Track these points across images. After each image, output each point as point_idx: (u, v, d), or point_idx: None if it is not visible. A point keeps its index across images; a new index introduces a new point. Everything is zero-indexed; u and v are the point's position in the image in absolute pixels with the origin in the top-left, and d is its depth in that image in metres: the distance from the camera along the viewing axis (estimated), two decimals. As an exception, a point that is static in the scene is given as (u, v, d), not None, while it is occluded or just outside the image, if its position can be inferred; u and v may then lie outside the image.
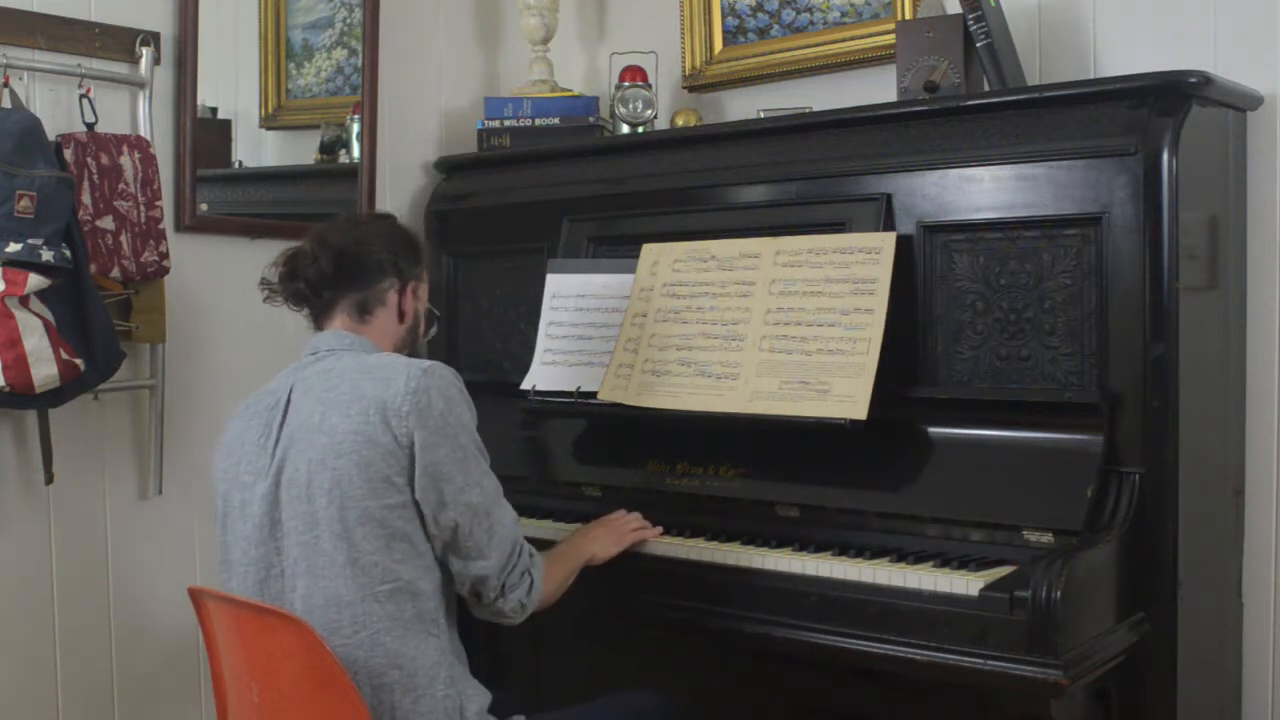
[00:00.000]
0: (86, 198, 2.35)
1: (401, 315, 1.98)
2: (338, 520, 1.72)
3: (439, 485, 1.74)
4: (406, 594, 1.73)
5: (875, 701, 2.15)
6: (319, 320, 1.95)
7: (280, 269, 1.93)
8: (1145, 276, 1.99)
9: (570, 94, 3.09)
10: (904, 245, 2.21)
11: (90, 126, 2.41)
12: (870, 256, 2.21)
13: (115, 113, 2.50)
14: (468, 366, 2.78)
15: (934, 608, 1.87)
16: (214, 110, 2.76)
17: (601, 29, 3.28)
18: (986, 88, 2.35)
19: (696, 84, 3.03)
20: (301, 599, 1.74)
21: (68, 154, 2.33)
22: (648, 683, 2.13)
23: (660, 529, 2.22)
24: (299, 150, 3.03)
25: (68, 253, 2.22)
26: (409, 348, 2.01)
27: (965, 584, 1.86)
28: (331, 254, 1.90)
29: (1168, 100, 2.02)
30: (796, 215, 2.37)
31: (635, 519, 2.22)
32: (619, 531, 2.17)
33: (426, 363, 1.81)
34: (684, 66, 3.04)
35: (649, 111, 2.92)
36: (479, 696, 1.79)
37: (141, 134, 2.50)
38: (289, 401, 1.82)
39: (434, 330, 2.13)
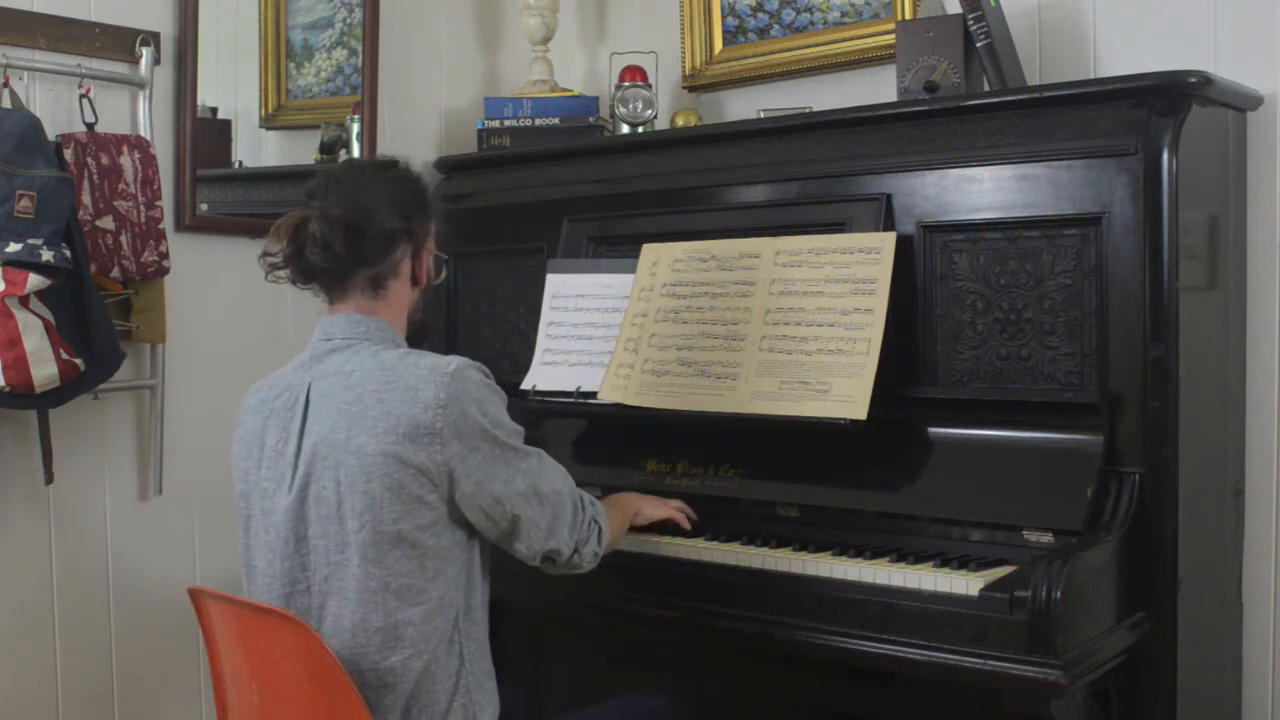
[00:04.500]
0: (86, 198, 2.36)
1: (415, 280, 1.88)
2: (370, 544, 1.67)
3: (487, 487, 1.71)
4: (437, 611, 1.70)
5: (875, 701, 2.15)
6: (331, 295, 1.84)
7: (285, 245, 1.79)
8: (1145, 276, 1.99)
9: (570, 94, 3.09)
10: (904, 245, 2.21)
11: (90, 126, 2.41)
12: (870, 256, 2.21)
13: (115, 113, 2.50)
14: (468, 366, 2.77)
15: (934, 608, 1.87)
16: (214, 110, 2.76)
17: (601, 29, 3.28)
18: (986, 88, 2.35)
19: (696, 84, 3.03)
20: (332, 618, 1.71)
21: (68, 154, 2.34)
22: (647, 683, 2.13)
23: (695, 516, 2.25)
24: (299, 150, 3.03)
25: (68, 253, 2.22)
26: (421, 309, 1.93)
27: (965, 584, 1.86)
28: (340, 232, 1.75)
29: (1168, 100, 2.02)
30: (796, 215, 2.37)
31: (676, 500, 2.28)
32: (663, 499, 2.23)
33: (452, 364, 1.73)
34: (684, 66, 3.04)
35: (649, 111, 2.92)
36: (490, 708, 1.77)
37: (141, 134, 2.50)
38: (308, 403, 1.75)
39: (443, 275, 1.98)
